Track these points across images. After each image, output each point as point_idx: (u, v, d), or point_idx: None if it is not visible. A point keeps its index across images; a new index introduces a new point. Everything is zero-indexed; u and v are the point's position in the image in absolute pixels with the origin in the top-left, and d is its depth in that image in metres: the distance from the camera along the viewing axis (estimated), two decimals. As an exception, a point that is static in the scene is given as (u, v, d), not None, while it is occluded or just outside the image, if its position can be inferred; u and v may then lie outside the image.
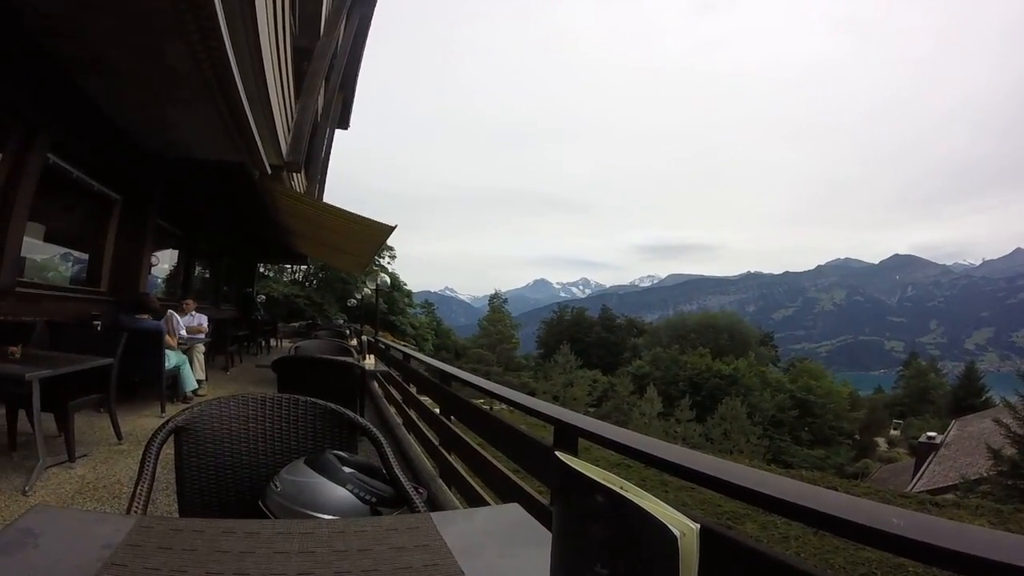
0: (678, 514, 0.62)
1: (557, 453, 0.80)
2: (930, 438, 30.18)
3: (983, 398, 49.44)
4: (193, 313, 9.54)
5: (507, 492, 3.34)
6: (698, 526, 0.60)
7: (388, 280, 27.17)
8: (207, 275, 16.99)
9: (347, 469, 1.85)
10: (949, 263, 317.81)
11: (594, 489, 0.71)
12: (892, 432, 54.99)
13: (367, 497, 1.79)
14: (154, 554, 1.07)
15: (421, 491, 1.96)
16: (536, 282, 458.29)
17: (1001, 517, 9.43)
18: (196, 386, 8.17)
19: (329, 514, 1.68)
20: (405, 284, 50.63)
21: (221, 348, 11.82)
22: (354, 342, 15.02)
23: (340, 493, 1.76)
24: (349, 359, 7.27)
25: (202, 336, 9.25)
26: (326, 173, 16.84)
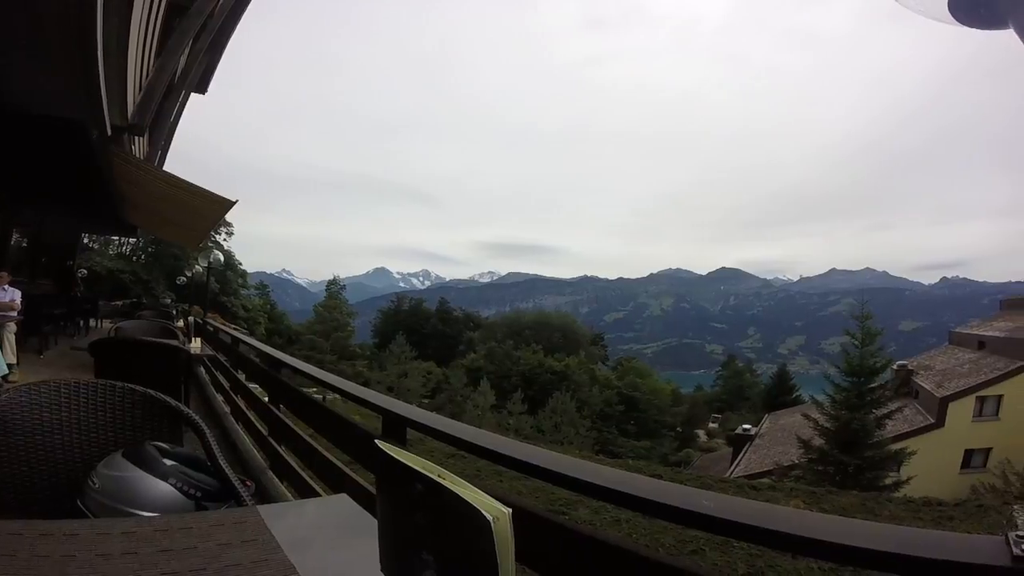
0: (492, 500, 0.65)
1: (377, 441, 0.82)
2: (745, 430, 33.06)
3: (794, 396, 53.81)
4: (6, 287, 8.53)
5: (338, 483, 3.30)
6: (510, 510, 0.64)
7: (221, 258, 25.90)
8: (24, 244, 15.16)
9: (168, 462, 1.74)
10: (770, 278, 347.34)
11: (413, 477, 0.73)
12: (711, 425, 59.84)
13: (191, 491, 1.70)
14: (-31, 562, 0.98)
15: (249, 484, 1.91)
16: (376, 270, 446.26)
17: (815, 498, 10.45)
18: (6, 371, 7.28)
19: (151, 511, 1.59)
20: (240, 263, 48.35)
21: (35, 328, 10.56)
22: (181, 324, 14.28)
23: (162, 488, 1.67)
24: (174, 342, 6.90)
25: (14, 314, 8.28)
26: (172, 139, 15.72)
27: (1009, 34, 1.09)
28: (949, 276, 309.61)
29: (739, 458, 29.19)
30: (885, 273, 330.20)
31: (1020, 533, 1.04)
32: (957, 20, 1.13)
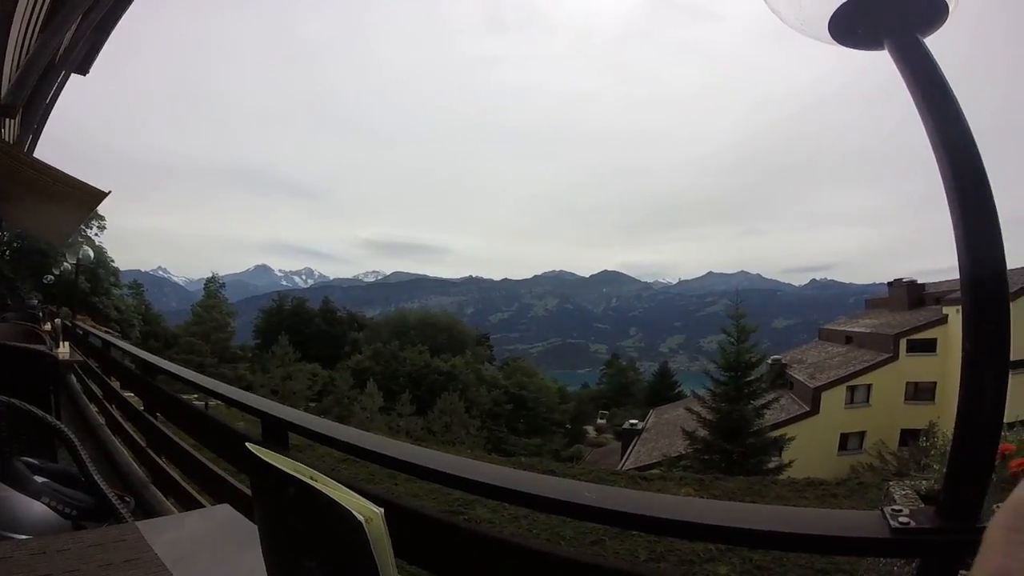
0: (364, 500, 0.64)
1: (249, 444, 0.77)
2: (632, 424, 34.27)
3: (676, 391, 56.22)
4: None
5: (222, 493, 3.18)
6: (382, 510, 0.64)
7: (92, 254, 24.24)
8: None
9: (40, 479, 1.61)
10: (650, 280, 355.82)
11: (286, 481, 0.70)
12: (599, 421, 60.85)
13: (66, 510, 1.58)
14: None
15: (128, 499, 1.83)
16: (257, 268, 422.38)
17: (703, 485, 10.76)
18: None
19: (24, 533, 1.44)
20: (113, 260, 45.02)
21: None
22: (48, 327, 13.47)
23: (35, 508, 1.51)
24: (40, 347, 6.51)
25: None
26: (46, 122, 14.68)
27: (883, 55, 1.21)
28: (818, 278, 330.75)
29: (628, 452, 30.07)
30: (759, 275, 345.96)
31: (896, 507, 1.16)
32: (836, 40, 1.24)
